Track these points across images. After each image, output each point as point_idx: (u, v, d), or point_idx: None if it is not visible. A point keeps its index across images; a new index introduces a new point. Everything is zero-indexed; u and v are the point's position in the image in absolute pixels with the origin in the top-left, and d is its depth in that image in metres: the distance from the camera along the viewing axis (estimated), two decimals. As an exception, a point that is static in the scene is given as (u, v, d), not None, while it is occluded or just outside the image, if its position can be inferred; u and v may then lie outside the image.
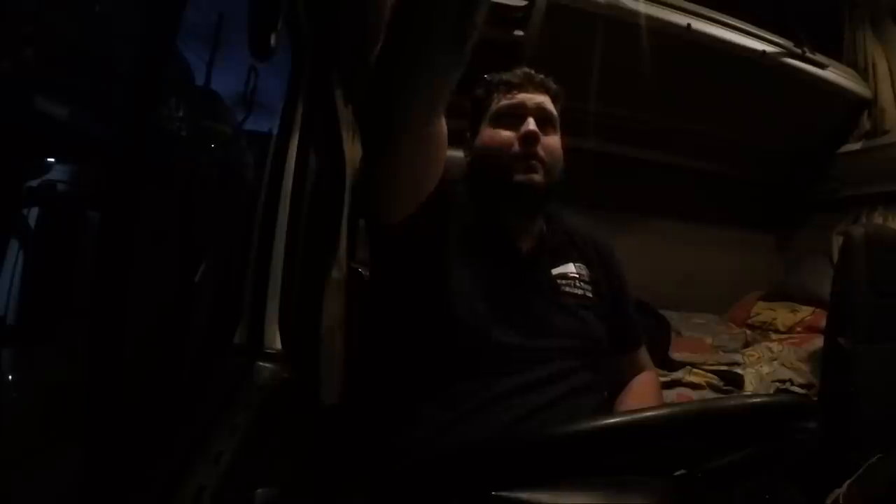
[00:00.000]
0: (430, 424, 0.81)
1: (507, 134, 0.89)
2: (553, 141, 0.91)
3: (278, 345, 1.11)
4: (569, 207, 1.04)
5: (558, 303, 0.90)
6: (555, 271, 0.93)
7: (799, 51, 2.13)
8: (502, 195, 0.90)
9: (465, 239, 0.89)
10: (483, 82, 0.94)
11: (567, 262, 0.94)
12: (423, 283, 0.85)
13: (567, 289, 0.92)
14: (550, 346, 0.85)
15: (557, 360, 0.85)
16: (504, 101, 0.91)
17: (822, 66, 2.20)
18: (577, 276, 0.94)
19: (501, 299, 0.86)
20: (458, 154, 0.99)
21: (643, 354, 1.06)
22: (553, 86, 0.94)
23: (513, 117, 0.90)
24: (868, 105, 2.33)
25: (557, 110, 0.93)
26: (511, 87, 0.91)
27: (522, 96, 0.90)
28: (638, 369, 1.03)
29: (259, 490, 0.71)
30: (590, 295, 0.93)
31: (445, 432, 0.79)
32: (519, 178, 0.87)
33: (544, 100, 0.92)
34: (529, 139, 0.87)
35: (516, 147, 0.88)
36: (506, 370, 0.82)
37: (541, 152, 0.88)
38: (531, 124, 0.88)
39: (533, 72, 0.93)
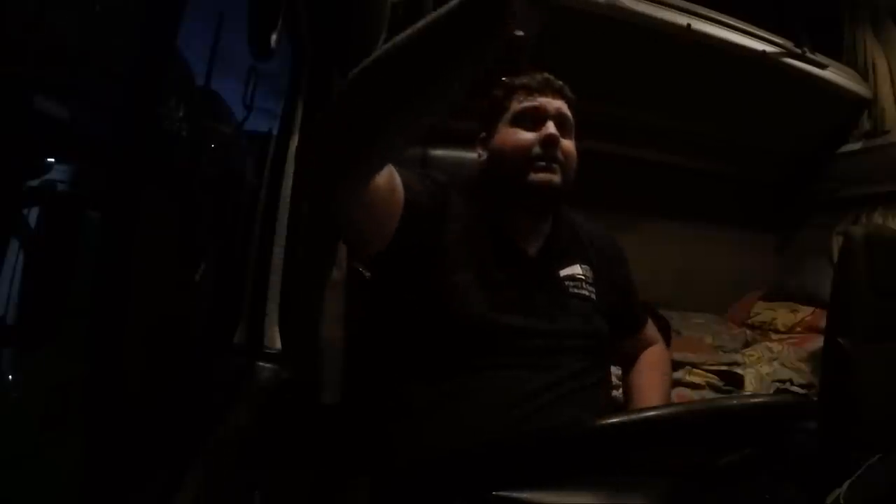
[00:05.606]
0: (432, 421, 0.80)
1: (527, 135, 0.90)
2: (570, 145, 0.92)
3: (278, 345, 1.12)
4: (568, 207, 1.04)
5: (565, 304, 0.91)
6: (563, 273, 0.93)
7: (799, 51, 2.13)
8: (517, 195, 0.91)
9: (468, 243, 0.89)
10: (502, 84, 0.96)
11: (574, 263, 0.95)
12: (420, 290, 0.86)
13: (575, 290, 0.93)
14: (558, 345, 0.86)
15: (565, 358, 0.85)
16: (525, 104, 0.92)
17: (822, 66, 2.19)
18: (583, 277, 0.95)
19: (506, 297, 0.86)
20: (463, 154, 0.98)
21: (649, 329, 1.10)
22: (570, 93, 0.95)
23: (533, 120, 0.91)
24: (868, 105, 2.33)
25: (572, 116, 0.95)
26: (531, 91, 0.92)
27: (542, 100, 0.92)
28: (647, 344, 1.09)
29: (259, 490, 0.72)
30: (594, 297, 0.94)
31: (448, 429, 0.79)
32: (536, 178, 0.88)
33: (562, 105, 0.93)
34: (550, 142, 0.88)
35: (536, 149, 0.89)
36: (510, 363, 0.82)
37: (559, 155, 0.90)
38: (551, 127, 0.89)
39: (552, 77, 0.95)
